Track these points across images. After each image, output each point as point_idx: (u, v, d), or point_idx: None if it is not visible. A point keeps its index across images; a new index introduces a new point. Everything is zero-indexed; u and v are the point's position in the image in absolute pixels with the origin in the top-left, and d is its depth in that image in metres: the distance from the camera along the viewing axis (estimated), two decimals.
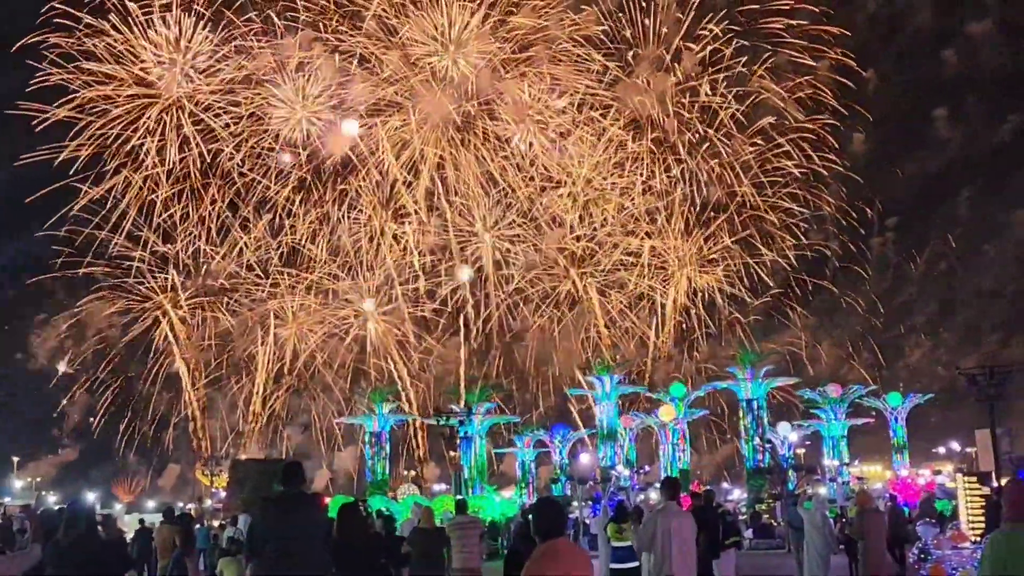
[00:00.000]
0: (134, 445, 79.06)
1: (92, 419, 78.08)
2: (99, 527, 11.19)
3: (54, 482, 76.21)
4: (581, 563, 6.62)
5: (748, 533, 38.56)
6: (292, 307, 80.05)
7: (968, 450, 59.82)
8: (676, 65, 79.86)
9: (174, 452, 78.33)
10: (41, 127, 72.99)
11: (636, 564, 15.44)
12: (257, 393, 78.77)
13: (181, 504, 62.08)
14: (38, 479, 74.67)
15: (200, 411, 79.58)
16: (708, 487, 32.34)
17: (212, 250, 78.55)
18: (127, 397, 78.94)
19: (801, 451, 63.30)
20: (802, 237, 79.79)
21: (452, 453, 61.08)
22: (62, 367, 76.32)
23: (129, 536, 25.06)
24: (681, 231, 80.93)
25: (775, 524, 42.02)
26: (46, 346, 77.12)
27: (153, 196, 76.62)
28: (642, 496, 45.93)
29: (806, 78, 79.05)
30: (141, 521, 29.85)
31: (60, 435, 78.09)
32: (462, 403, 61.20)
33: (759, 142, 79.53)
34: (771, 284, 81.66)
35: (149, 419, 78.57)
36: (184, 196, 77.61)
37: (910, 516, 37.13)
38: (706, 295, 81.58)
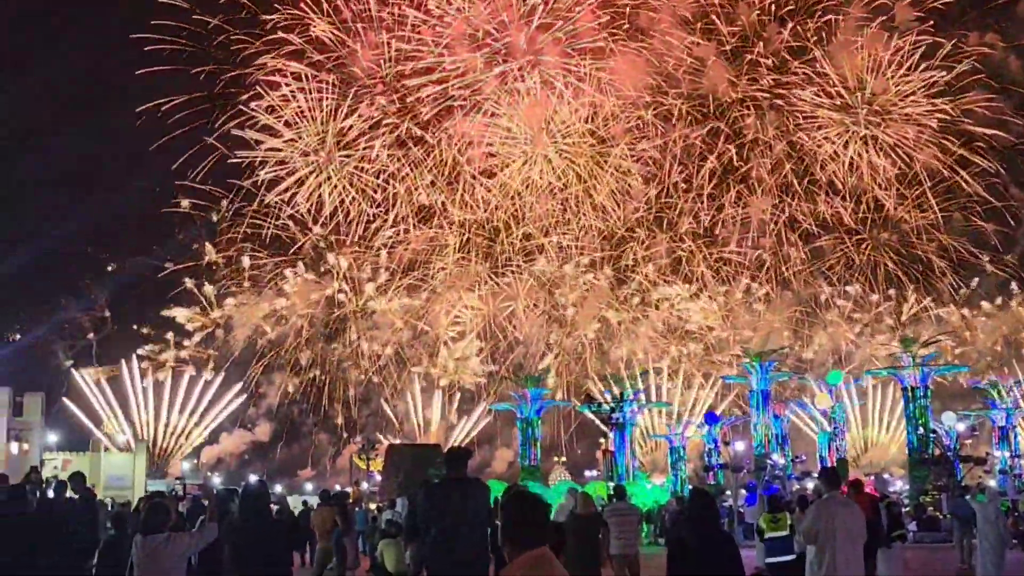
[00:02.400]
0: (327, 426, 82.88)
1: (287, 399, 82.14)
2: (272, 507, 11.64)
3: (243, 461, 79.91)
4: None
5: (912, 525, 37.36)
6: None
7: None
8: None
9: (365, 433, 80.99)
10: None
11: (793, 556, 15.10)
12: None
13: (339, 487, 64.14)
14: (209, 460, 78.28)
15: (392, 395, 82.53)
16: (870, 476, 31.45)
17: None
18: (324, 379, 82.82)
19: (968, 442, 60.73)
20: None
21: (603, 440, 61.14)
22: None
23: None
24: None
25: (941, 516, 40.59)
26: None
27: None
28: (797, 485, 44.96)
29: None
30: (304, 503, 30.94)
31: (256, 414, 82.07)
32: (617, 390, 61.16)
33: None
34: None
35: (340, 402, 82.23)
36: None
37: None
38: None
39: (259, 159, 79.51)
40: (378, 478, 59.98)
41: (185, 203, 78.97)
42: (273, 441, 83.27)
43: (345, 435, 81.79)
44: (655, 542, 39.66)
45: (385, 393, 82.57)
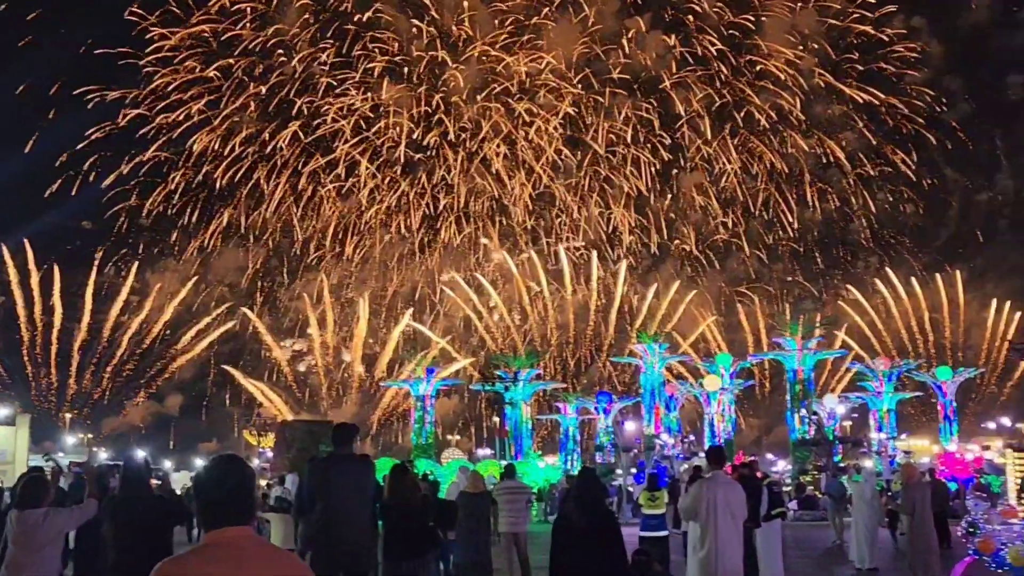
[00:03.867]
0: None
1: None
2: (153, 483, 11.41)
3: (142, 435, 78.32)
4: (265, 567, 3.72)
5: (793, 505, 38.45)
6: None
7: (1019, 425, 59.01)
8: None
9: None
10: None
11: (666, 533, 15.51)
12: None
13: None
14: (90, 436, 76.33)
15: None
16: (753, 457, 32.26)
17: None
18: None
19: (848, 424, 62.73)
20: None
21: (496, 419, 61.40)
22: None
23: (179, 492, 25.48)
24: None
25: (820, 496, 41.85)
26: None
27: None
28: (686, 465, 45.88)
29: None
30: (192, 478, 30.37)
31: (167, 386, 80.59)
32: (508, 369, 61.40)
33: None
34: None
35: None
36: None
37: (957, 491, 36.84)
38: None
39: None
40: (270, 454, 59.29)
41: None
42: (182, 414, 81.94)
43: (256, 409, 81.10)
44: (546, 520, 40.08)
45: (301, 367, 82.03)
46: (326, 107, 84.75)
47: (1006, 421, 64.80)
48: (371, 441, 79.46)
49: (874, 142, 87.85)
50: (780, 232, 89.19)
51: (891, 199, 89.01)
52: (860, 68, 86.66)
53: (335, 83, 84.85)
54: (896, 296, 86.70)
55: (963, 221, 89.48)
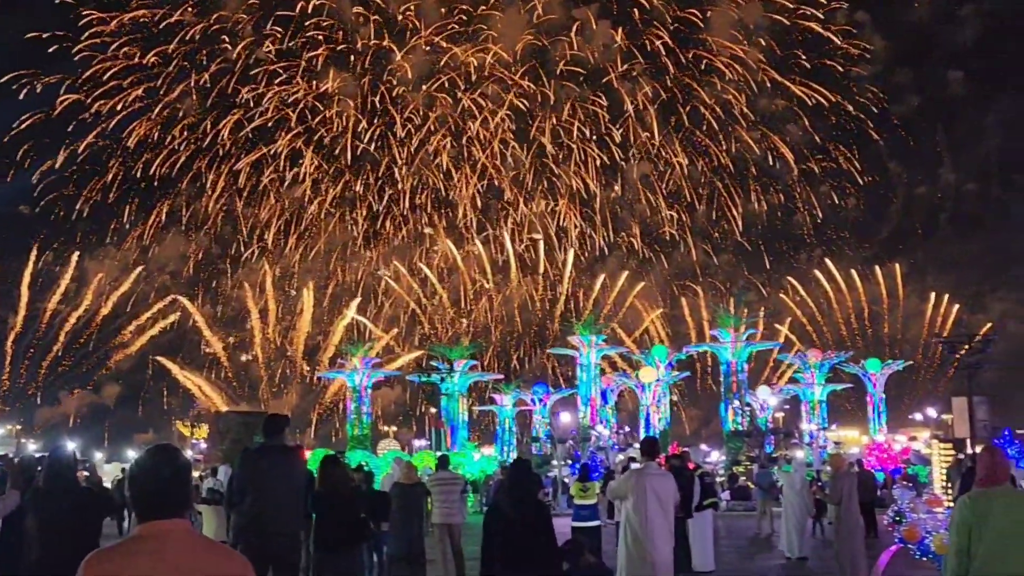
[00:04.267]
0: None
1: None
2: (80, 474, 11.21)
3: (76, 426, 76.94)
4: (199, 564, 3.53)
5: (725, 495, 38.94)
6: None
7: (944, 417, 60.33)
8: None
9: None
10: None
11: (598, 523, 15.67)
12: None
13: None
14: (19, 427, 74.78)
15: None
16: (685, 448, 32.59)
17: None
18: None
19: (781, 415, 63.68)
20: None
21: (433, 410, 61.32)
22: None
23: (109, 484, 25.10)
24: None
25: (752, 486, 42.41)
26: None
27: None
28: (621, 456, 46.21)
29: None
30: (123, 470, 29.94)
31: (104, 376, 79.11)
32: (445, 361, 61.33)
33: None
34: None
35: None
36: None
37: (885, 482, 37.60)
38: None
39: None
40: (204, 446, 58.65)
41: None
42: (119, 405, 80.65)
43: (193, 401, 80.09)
44: (481, 511, 40.12)
45: (241, 358, 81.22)
46: (269, 96, 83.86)
47: (932, 413, 66.31)
48: (312, 433, 79.02)
49: (817, 138, 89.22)
50: (725, 226, 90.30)
51: (834, 194, 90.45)
52: (806, 64, 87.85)
53: (279, 71, 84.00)
54: (837, 289, 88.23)
55: (904, 216, 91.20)
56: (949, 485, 28.76)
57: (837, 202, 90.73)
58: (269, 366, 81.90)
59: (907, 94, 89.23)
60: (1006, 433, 33.76)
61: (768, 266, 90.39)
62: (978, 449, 28.17)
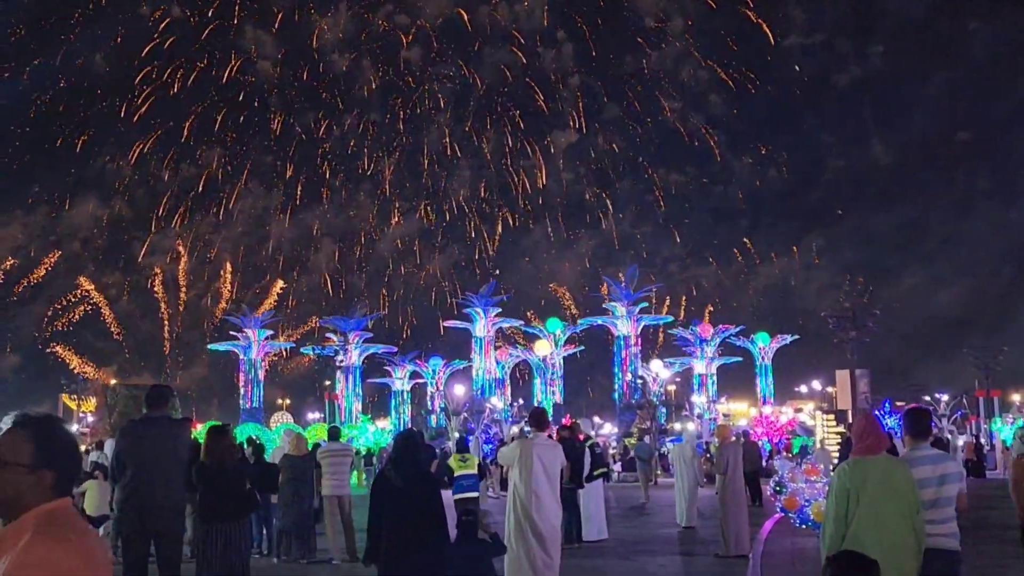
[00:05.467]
0: None
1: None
2: None
3: None
4: None
5: (617, 466, 39.58)
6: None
7: (828, 390, 62.27)
8: None
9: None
10: None
11: (476, 493, 15.82)
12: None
13: None
14: None
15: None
16: (576, 420, 33.02)
17: None
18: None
19: (672, 388, 64.91)
20: None
21: (327, 382, 60.82)
22: None
23: None
24: None
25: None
26: None
27: None
28: (515, 429, 46.56)
29: None
30: None
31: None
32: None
33: None
34: None
35: None
36: None
37: (771, 453, 38.68)
38: None
39: None
40: (90, 419, 57.20)
41: None
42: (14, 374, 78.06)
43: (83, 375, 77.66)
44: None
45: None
46: (189, 55, 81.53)
47: (817, 385, 68.33)
48: (218, 405, 77.63)
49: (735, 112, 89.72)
50: (648, 198, 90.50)
51: (758, 168, 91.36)
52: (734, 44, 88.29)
53: (200, 35, 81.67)
54: (752, 264, 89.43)
55: (827, 190, 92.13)
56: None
57: (759, 176, 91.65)
58: (180, 337, 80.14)
59: (842, 68, 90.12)
60: (885, 404, 34.95)
61: (679, 240, 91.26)
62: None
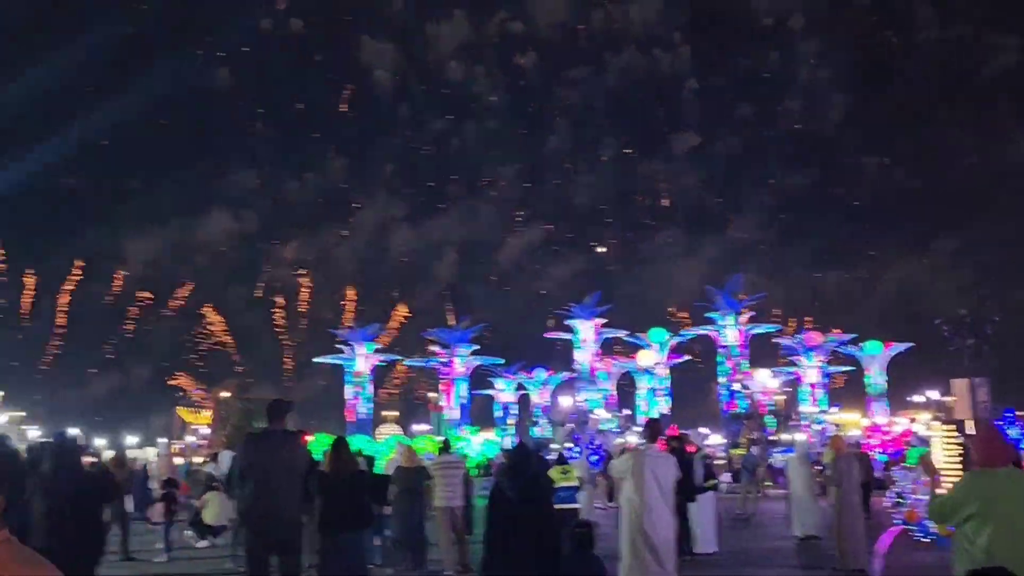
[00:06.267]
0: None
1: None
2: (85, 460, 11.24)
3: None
4: None
5: (726, 477, 38.99)
6: None
7: (945, 399, 60.32)
8: None
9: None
10: None
11: (578, 505, 15.77)
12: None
13: (164, 441, 62.33)
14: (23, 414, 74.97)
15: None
16: (684, 431, 32.67)
17: None
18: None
19: (781, 398, 63.74)
20: None
21: (433, 394, 61.33)
22: None
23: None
24: None
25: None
26: None
27: None
28: (620, 439, 46.29)
29: None
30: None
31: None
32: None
33: None
34: None
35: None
36: None
37: (886, 464, 37.66)
38: None
39: None
40: (205, 431, 58.77)
41: None
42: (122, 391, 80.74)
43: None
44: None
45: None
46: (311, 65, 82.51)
47: (935, 394, 66.28)
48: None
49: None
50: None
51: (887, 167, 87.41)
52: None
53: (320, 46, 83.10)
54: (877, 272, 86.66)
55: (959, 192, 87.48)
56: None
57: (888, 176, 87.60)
58: (299, 349, 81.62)
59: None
60: (1007, 414, 33.64)
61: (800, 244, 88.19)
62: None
